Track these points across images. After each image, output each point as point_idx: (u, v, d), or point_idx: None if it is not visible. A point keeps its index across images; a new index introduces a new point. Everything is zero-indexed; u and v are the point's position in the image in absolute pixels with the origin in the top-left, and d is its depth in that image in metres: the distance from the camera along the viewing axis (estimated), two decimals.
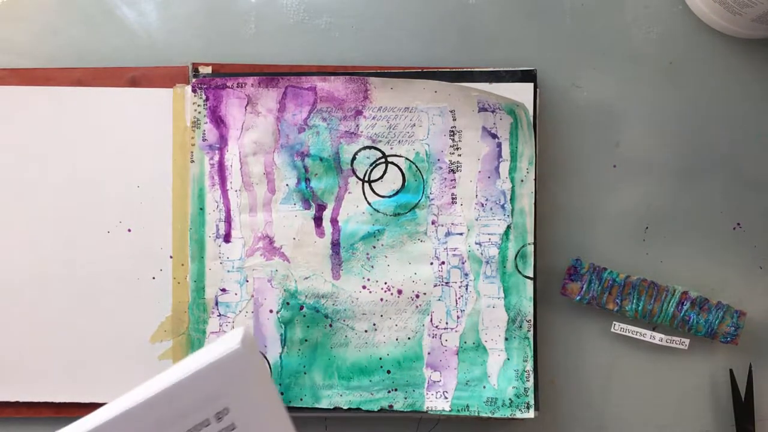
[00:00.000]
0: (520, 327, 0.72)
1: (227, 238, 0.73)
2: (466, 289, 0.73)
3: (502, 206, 0.72)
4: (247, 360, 0.52)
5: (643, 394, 0.75)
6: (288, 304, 0.73)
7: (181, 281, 0.73)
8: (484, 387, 0.72)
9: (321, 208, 0.73)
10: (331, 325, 0.73)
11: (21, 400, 0.73)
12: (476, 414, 0.72)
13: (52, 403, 0.73)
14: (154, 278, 0.74)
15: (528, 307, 0.72)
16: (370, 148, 0.73)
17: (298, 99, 0.73)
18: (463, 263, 0.73)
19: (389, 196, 0.73)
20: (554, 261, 0.75)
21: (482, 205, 0.72)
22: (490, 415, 0.72)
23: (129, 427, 0.52)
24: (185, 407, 0.51)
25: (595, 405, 0.75)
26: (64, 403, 0.73)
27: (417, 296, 0.73)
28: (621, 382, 0.75)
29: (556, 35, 0.76)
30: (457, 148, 0.73)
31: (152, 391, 0.52)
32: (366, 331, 0.73)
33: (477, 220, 0.72)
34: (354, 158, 0.73)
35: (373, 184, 0.73)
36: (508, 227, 0.72)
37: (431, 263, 0.73)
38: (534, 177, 0.72)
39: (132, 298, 0.74)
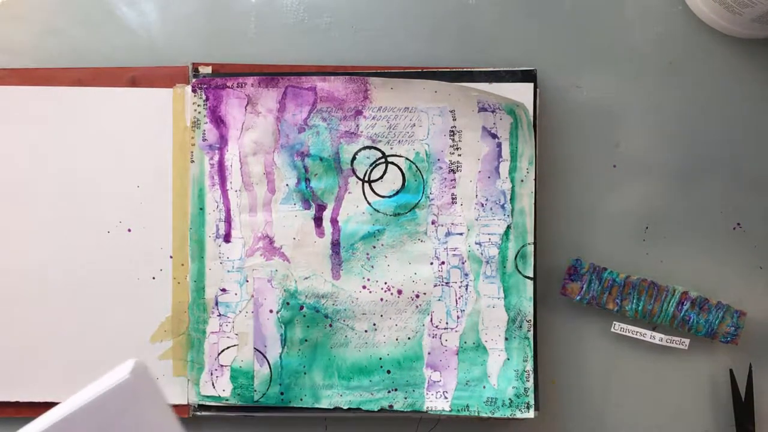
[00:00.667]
0: (520, 327, 0.72)
1: (227, 238, 0.73)
2: (466, 289, 0.73)
3: (502, 206, 0.72)
4: (137, 389, 0.51)
5: (643, 394, 0.75)
6: (288, 304, 0.73)
7: (181, 281, 0.73)
8: (484, 387, 0.72)
9: (321, 208, 0.73)
10: (331, 325, 0.73)
11: (21, 400, 0.73)
12: (476, 414, 0.72)
13: (52, 403, 0.73)
14: (154, 278, 0.74)
15: (528, 307, 0.72)
16: (370, 148, 0.73)
17: (298, 99, 0.73)
18: (463, 263, 0.73)
19: (389, 196, 0.73)
20: (554, 261, 0.75)
21: (482, 205, 0.72)
22: (490, 415, 0.72)
23: None
24: None
25: (595, 405, 0.76)
26: None
27: (417, 296, 0.73)
28: (621, 382, 0.75)
29: (556, 35, 0.76)
30: (457, 148, 0.73)
31: (43, 424, 0.50)
32: (366, 331, 0.73)
33: (477, 220, 0.72)
34: (354, 158, 0.73)
35: (373, 184, 0.73)
36: (508, 227, 0.72)
37: (431, 263, 0.73)
38: (534, 177, 0.72)
39: (132, 298, 0.74)
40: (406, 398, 0.72)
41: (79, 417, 0.50)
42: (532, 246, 0.72)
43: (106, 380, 0.52)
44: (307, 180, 0.73)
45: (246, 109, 0.73)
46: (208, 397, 0.73)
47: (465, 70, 0.73)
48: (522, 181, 0.72)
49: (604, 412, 0.75)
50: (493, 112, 0.72)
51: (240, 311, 0.73)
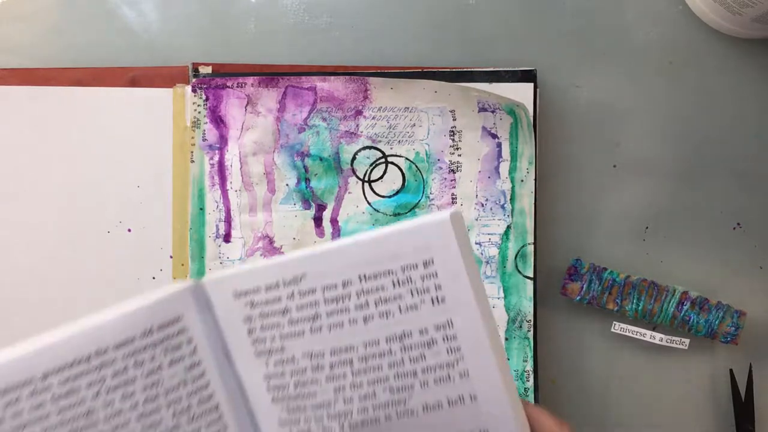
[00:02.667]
0: (520, 327, 0.72)
1: (227, 238, 0.73)
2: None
3: (502, 206, 0.72)
4: (454, 228, 0.55)
5: (643, 394, 0.75)
6: None
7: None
8: None
9: (321, 208, 0.73)
10: None
11: None
12: None
13: None
14: (154, 278, 0.74)
15: (528, 307, 0.72)
16: (370, 148, 0.73)
17: (298, 99, 0.73)
18: None
19: (389, 196, 0.73)
20: (554, 261, 0.75)
21: (482, 205, 0.72)
22: None
23: (342, 260, 0.56)
24: (397, 250, 0.55)
25: (595, 405, 0.76)
26: None
27: None
28: (621, 382, 0.75)
29: (556, 35, 0.76)
30: (457, 148, 0.73)
31: (368, 235, 0.56)
32: None
33: (477, 220, 0.72)
34: (354, 158, 0.73)
35: (373, 184, 0.73)
36: (508, 227, 0.72)
37: None
38: (534, 177, 0.72)
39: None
40: None
41: (401, 233, 0.55)
42: (532, 246, 0.72)
43: (425, 216, 0.56)
44: (307, 180, 0.73)
45: (246, 109, 0.73)
46: None
47: (465, 70, 0.73)
48: (522, 181, 0.72)
49: (604, 412, 0.76)
50: (493, 112, 0.72)
51: None
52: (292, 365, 0.58)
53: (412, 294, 0.56)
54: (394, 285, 0.56)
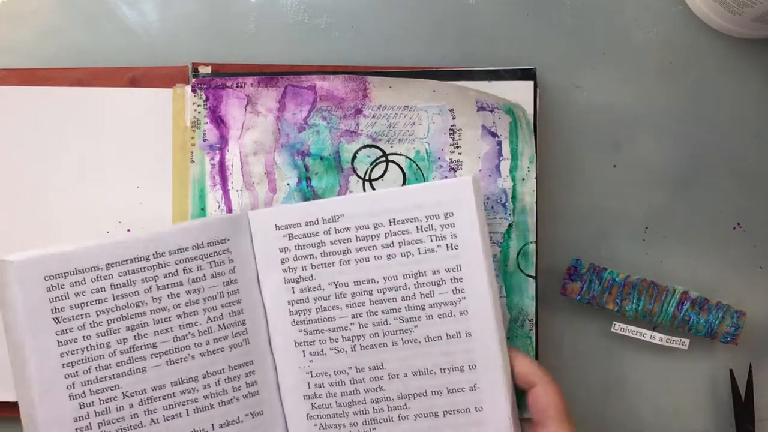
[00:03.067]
0: (522, 326, 0.72)
1: None
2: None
3: (504, 205, 0.72)
4: (474, 189, 0.66)
5: (643, 394, 0.75)
6: None
7: None
8: None
9: None
10: None
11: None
12: None
13: None
14: None
15: (530, 306, 0.72)
16: (370, 146, 0.73)
17: (297, 98, 0.73)
18: None
19: None
20: (554, 261, 0.75)
21: (483, 204, 0.72)
22: None
23: (376, 205, 0.67)
24: (425, 202, 0.66)
25: (595, 405, 0.75)
26: None
27: None
28: (621, 382, 0.75)
29: (556, 35, 0.76)
30: (458, 147, 0.73)
31: (401, 188, 0.71)
32: None
33: None
34: (354, 157, 0.73)
35: (373, 182, 0.73)
36: (510, 226, 0.72)
37: None
38: (535, 176, 0.72)
39: None
40: None
41: (423, 189, 0.68)
42: (534, 245, 0.72)
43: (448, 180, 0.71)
44: (308, 179, 0.73)
45: (246, 109, 0.73)
46: None
47: (464, 69, 0.73)
48: (523, 179, 0.72)
49: (604, 412, 0.75)
50: (491, 111, 0.72)
51: None
52: (317, 292, 0.68)
53: (431, 239, 0.67)
54: (417, 230, 0.67)
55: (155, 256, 0.67)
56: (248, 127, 0.73)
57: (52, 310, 0.65)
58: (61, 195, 0.73)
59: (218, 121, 0.73)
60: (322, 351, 0.68)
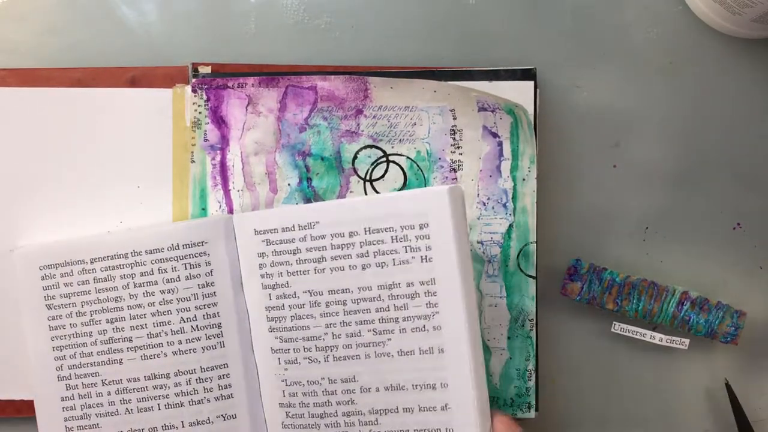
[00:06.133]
0: (523, 326, 0.72)
1: None
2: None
3: (504, 205, 0.72)
4: (451, 200, 0.63)
5: (643, 394, 0.75)
6: None
7: None
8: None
9: None
10: None
11: (24, 398, 0.73)
12: None
13: None
14: None
15: (530, 306, 0.72)
16: (371, 147, 0.73)
17: (298, 98, 0.73)
18: None
19: None
20: (554, 261, 0.75)
21: (484, 204, 0.72)
22: None
23: (352, 214, 0.66)
24: (400, 211, 0.64)
25: (595, 405, 0.76)
26: None
27: None
28: (621, 382, 0.76)
29: (556, 35, 0.76)
30: (458, 147, 0.73)
31: (377, 196, 0.71)
32: None
33: (479, 218, 0.72)
34: (355, 157, 0.73)
35: (374, 183, 0.73)
36: (510, 226, 0.72)
37: None
38: (535, 176, 0.72)
39: None
40: None
41: (405, 197, 0.65)
42: (534, 245, 0.72)
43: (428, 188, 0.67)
44: (309, 179, 0.73)
45: (247, 109, 0.73)
46: None
47: (465, 69, 0.73)
48: (524, 180, 0.72)
49: (604, 412, 0.76)
50: (492, 111, 0.73)
51: None
52: (292, 299, 0.68)
53: (406, 250, 0.65)
54: (392, 240, 0.65)
55: (133, 254, 0.70)
56: (249, 128, 0.73)
57: (45, 297, 0.71)
58: (61, 195, 0.73)
59: (219, 121, 0.73)
60: (296, 360, 0.68)
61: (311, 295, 0.67)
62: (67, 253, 0.71)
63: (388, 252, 0.65)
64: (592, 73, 0.76)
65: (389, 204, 0.65)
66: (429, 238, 0.64)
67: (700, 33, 0.76)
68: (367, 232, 0.65)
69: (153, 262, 0.70)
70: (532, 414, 0.72)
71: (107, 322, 0.70)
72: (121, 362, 0.70)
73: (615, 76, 0.76)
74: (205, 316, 0.70)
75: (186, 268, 0.70)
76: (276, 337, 0.68)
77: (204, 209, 0.72)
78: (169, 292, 0.70)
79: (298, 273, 0.67)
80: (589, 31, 0.76)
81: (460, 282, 0.63)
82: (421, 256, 0.64)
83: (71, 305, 0.70)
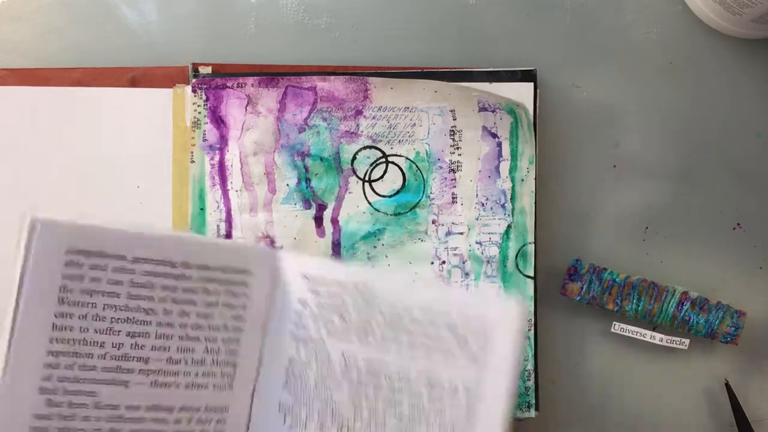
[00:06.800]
0: None
1: (228, 237, 0.73)
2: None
3: (503, 205, 0.72)
4: (519, 316, 0.59)
5: (643, 394, 0.75)
6: None
7: None
8: None
9: (321, 207, 0.73)
10: None
11: None
12: None
13: None
14: None
15: (529, 307, 0.72)
16: (370, 147, 0.73)
17: (298, 99, 0.73)
18: (463, 263, 0.73)
19: (390, 196, 0.73)
20: (554, 261, 0.75)
21: (483, 205, 0.72)
22: None
23: (411, 300, 0.61)
24: (459, 306, 0.60)
25: (595, 405, 0.76)
26: None
27: None
28: (621, 382, 0.75)
29: (556, 35, 0.76)
30: (458, 148, 0.73)
31: (442, 289, 0.67)
32: None
33: (477, 219, 0.72)
34: (354, 158, 0.73)
35: (373, 183, 0.73)
36: (509, 226, 0.72)
37: (432, 263, 0.73)
38: (534, 176, 0.72)
39: None
40: None
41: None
42: (533, 245, 0.72)
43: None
44: (308, 180, 0.73)
45: (246, 110, 0.73)
46: None
47: (465, 70, 0.73)
48: (522, 180, 0.72)
49: (604, 412, 0.76)
50: (493, 111, 0.73)
51: None
52: (323, 360, 0.62)
53: (458, 344, 0.60)
54: (446, 329, 0.61)
55: (182, 265, 0.61)
56: (248, 128, 0.73)
57: (61, 287, 0.57)
58: (61, 195, 0.73)
59: (218, 121, 0.73)
60: (306, 426, 0.63)
61: (346, 363, 0.62)
62: (106, 243, 0.58)
63: (438, 339, 0.60)
64: (592, 73, 0.76)
65: (447, 296, 0.61)
66: (485, 345, 0.59)
67: (700, 33, 0.76)
68: (420, 322, 0.61)
69: (199, 279, 0.61)
70: (532, 413, 0.72)
71: (128, 335, 0.59)
72: (126, 385, 0.59)
73: (615, 76, 0.76)
74: (227, 352, 0.63)
75: (227, 295, 0.63)
76: (291, 394, 0.63)
77: (202, 209, 0.73)
78: (204, 317, 0.62)
79: (340, 335, 0.63)
80: (589, 31, 0.76)
81: (504, 403, 0.58)
82: (471, 355, 0.59)
83: (90, 305, 0.58)
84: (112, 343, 0.59)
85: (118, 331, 0.59)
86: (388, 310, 0.61)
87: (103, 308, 0.58)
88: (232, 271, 0.63)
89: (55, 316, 0.57)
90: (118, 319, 0.59)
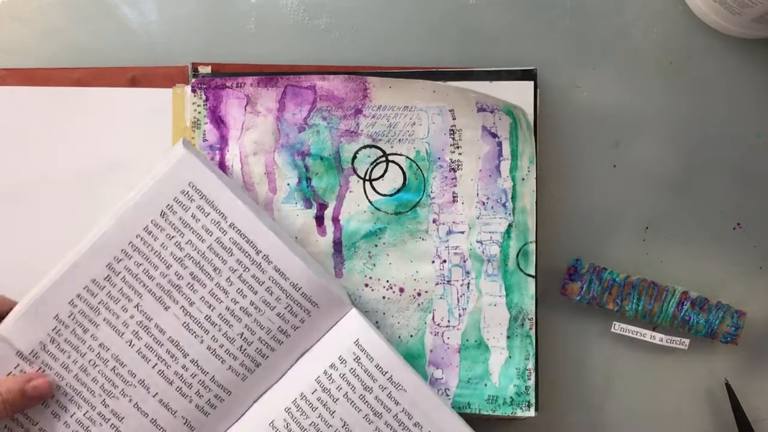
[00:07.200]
0: (522, 325, 0.72)
1: None
2: (468, 287, 0.73)
3: (504, 204, 0.72)
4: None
5: (643, 394, 0.75)
6: None
7: None
8: (486, 385, 0.72)
9: (322, 207, 0.73)
10: None
11: None
12: (477, 412, 0.72)
13: None
14: None
15: (530, 305, 0.72)
16: (370, 146, 0.73)
17: (297, 98, 0.73)
18: (464, 261, 0.72)
19: (390, 195, 0.73)
20: (554, 261, 0.75)
21: (483, 204, 0.72)
22: (491, 413, 0.72)
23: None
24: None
25: (595, 405, 0.75)
26: None
27: (419, 294, 0.73)
28: (621, 382, 0.75)
29: (556, 35, 0.76)
30: (458, 147, 0.73)
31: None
32: None
33: (478, 218, 0.72)
34: (354, 157, 0.73)
35: (374, 182, 0.73)
36: (510, 225, 0.72)
37: (433, 261, 0.73)
38: (535, 176, 0.72)
39: None
40: None
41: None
42: (534, 244, 0.72)
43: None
44: (308, 179, 0.73)
45: (246, 109, 0.73)
46: None
47: (465, 69, 0.73)
48: (523, 179, 0.72)
49: (604, 412, 0.75)
50: (492, 112, 0.73)
51: None
52: (328, 415, 0.67)
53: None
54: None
55: (265, 258, 0.67)
56: (248, 128, 0.73)
57: (168, 206, 0.66)
58: (61, 195, 0.73)
59: (218, 121, 0.73)
60: None
61: (344, 428, 0.67)
62: (221, 198, 0.66)
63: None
64: (592, 73, 0.76)
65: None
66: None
67: (700, 33, 0.76)
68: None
69: (270, 278, 0.67)
70: (532, 413, 0.72)
71: (190, 275, 0.66)
72: (166, 309, 0.66)
73: (615, 76, 0.76)
74: (257, 351, 0.67)
75: (285, 308, 0.68)
76: (283, 419, 0.67)
77: None
78: (256, 308, 0.67)
79: (354, 405, 0.67)
80: (589, 31, 0.76)
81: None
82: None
83: (179, 233, 0.66)
84: (176, 272, 0.66)
85: (186, 267, 0.65)
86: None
87: (187, 242, 0.65)
88: (303, 294, 0.67)
89: (152, 222, 0.65)
90: (192, 258, 0.65)
